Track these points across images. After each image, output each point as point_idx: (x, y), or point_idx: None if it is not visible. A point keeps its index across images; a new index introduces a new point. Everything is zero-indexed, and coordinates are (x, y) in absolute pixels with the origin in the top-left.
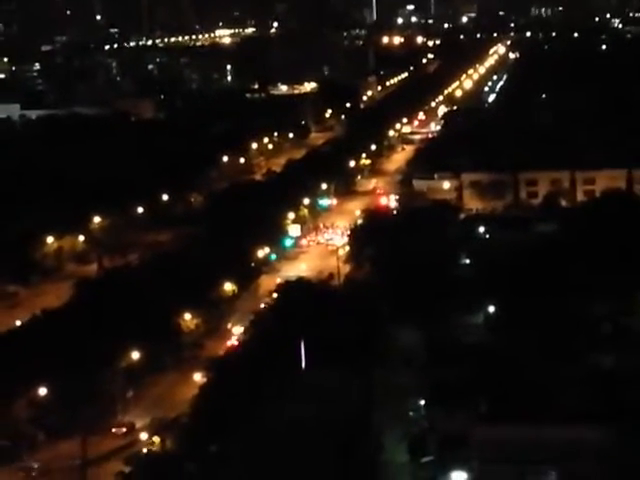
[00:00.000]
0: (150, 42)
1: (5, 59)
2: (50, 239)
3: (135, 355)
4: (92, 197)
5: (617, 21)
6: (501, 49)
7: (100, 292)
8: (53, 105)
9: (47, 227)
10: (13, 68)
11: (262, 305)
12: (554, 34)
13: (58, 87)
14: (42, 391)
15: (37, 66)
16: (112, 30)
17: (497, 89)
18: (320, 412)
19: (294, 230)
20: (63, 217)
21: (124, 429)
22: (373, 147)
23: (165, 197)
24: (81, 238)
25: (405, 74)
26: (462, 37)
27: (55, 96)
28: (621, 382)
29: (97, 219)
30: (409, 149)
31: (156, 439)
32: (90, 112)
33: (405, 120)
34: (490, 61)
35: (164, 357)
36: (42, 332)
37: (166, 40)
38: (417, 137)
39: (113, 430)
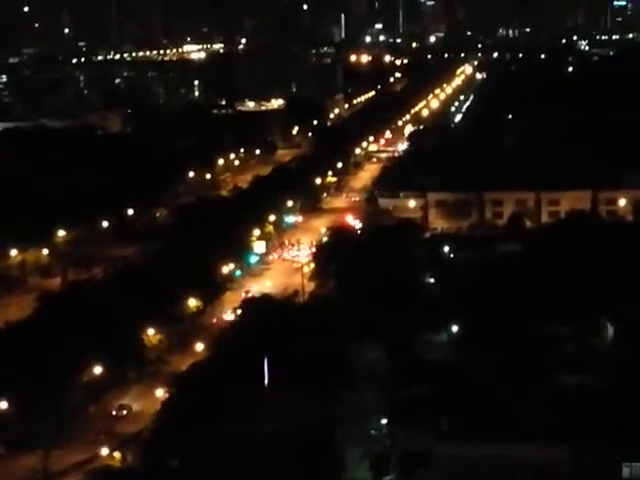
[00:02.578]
0: (118, 56)
1: None
2: (14, 252)
3: (98, 369)
4: (57, 210)
5: (584, 43)
6: (468, 69)
7: (63, 306)
8: (20, 117)
9: (11, 240)
10: None
11: (227, 319)
12: (521, 55)
13: (25, 99)
14: (3, 404)
15: (4, 78)
16: (80, 43)
17: (464, 109)
18: (282, 429)
19: (259, 247)
20: (27, 230)
21: (124, 411)
22: (339, 165)
23: (130, 211)
24: (45, 251)
25: (372, 92)
26: (430, 57)
27: (22, 108)
28: (583, 402)
29: (62, 232)
30: (375, 167)
31: (117, 454)
32: (57, 125)
33: (372, 138)
34: (457, 81)
35: (127, 372)
36: (4, 345)
37: (134, 54)
38: (383, 155)
39: (114, 413)
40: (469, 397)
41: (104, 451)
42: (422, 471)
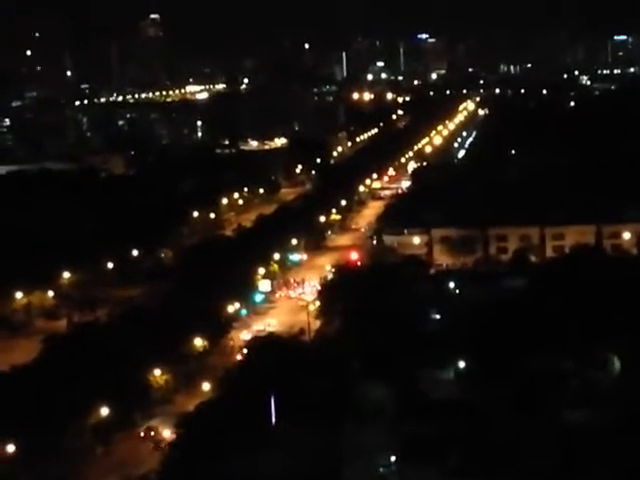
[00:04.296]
0: (120, 98)
1: None
2: (19, 294)
3: (104, 411)
4: (61, 253)
5: (585, 78)
6: (470, 105)
7: (69, 348)
8: (23, 161)
9: (16, 282)
10: None
11: (234, 359)
12: (523, 91)
13: (28, 143)
14: (10, 448)
15: (7, 122)
16: (83, 86)
17: (466, 145)
18: (290, 467)
19: (264, 285)
20: (32, 272)
21: (152, 432)
22: (343, 202)
23: (135, 253)
24: (50, 293)
25: (375, 130)
26: (432, 93)
27: (25, 152)
28: (591, 437)
29: (66, 274)
30: (379, 204)
31: None
32: (60, 167)
33: (375, 175)
34: (459, 117)
35: (133, 413)
36: (10, 388)
37: (137, 96)
38: (387, 192)
39: (142, 434)
40: (476, 435)
41: None
42: None
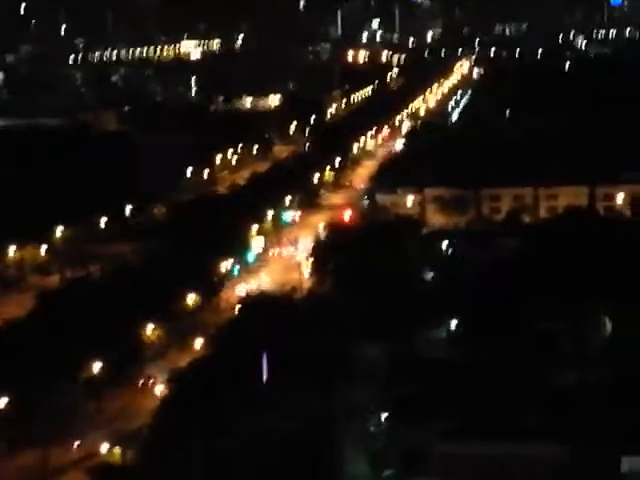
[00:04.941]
0: (115, 54)
1: None
2: (12, 250)
3: (96, 366)
4: (54, 208)
5: (581, 39)
6: (465, 66)
7: (61, 303)
8: (16, 116)
9: (9, 238)
10: None
11: (226, 317)
12: (518, 52)
13: (21, 98)
14: (2, 402)
15: (1, 76)
16: (76, 41)
17: (461, 105)
18: (281, 425)
19: (257, 243)
20: (25, 228)
21: (152, 380)
22: (337, 161)
23: (128, 209)
24: (43, 249)
25: (370, 89)
26: (427, 54)
27: (18, 107)
28: (582, 399)
29: (59, 230)
30: (373, 164)
31: (117, 450)
32: (53, 123)
33: (369, 135)
34: (454, 78)
35: (126, 369)
36: (3, 343)
37: (131, 52)
38: (381, 152)
39: (140, 382)
40: (468, 394)
41: (104, 448)
42: (422, 468)
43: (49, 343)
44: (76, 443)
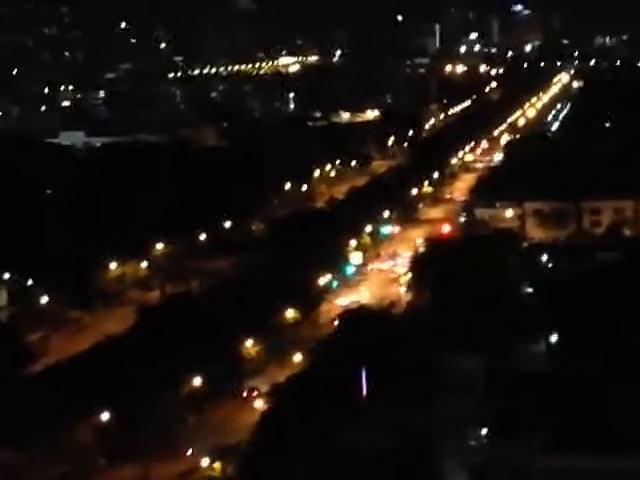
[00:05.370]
0: (214, 70)
1: (70, 87)
2: (113, 265)
3: (197, 381)
4: (155, 224)
5: None
6: (565, 78)
7: (162, 318)
8: (116, 133)
9: (110, 253)
10: (78, 96)
11: (325, 332)
12: (618, 63)
13: (122, 115)
14: (104, 416)
15: (101, 94)
16: (176, 58)
17: (560, 118)
18: (380, 440)
19: (356, 257)
20: (126, 244)
21: (255, 392)
22: (435, 175)
23: (227, 224)
24: (144, 265)
25: (468, 102)
26: (525, 66)
27: (119, 124)
28: None
29: (159, 246)
30: (471, 177)
31: (217, 465)
32: (153, 139)
33: (468, 148)
34: (553, 90)
35: (225, 383)
36: (106, 357)
37: (229, 68)
38: (480, 165)
39: (244, 394)
40: (570, 408)
41: (204, 462)
42: None
43: (150, 357)
44: (177, 457)
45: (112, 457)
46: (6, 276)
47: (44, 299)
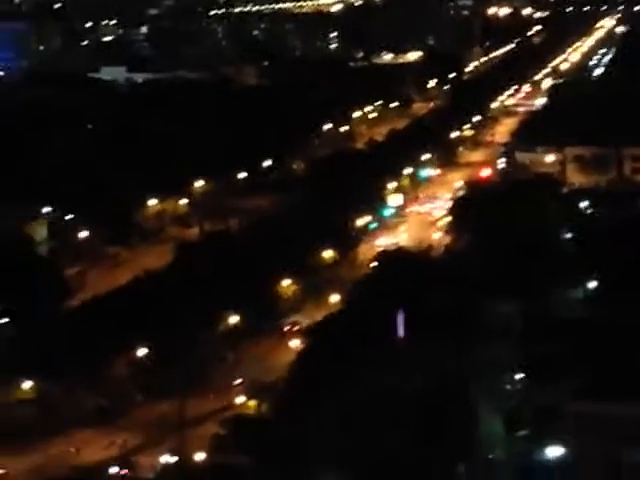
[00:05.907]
0: (256, 8)
1: (112, 22)
2: (153, 201)
3: (234, 319)
4: (195, 161)
5: None
6: (609, 22)
7: (201, 255)
8: (158, 69)
9: (150, 190)
10: (120, 31)
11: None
12: None
13: (163, 51)
14: (141, 351)
15: (144, 29)
16: None
17: (604, 62)
18: (416, 381)
19: (395, 199)
20: (166, 180)
21: (296, 327)
22: (476, 118)
23: (267, 163)
24: (183, 202)
25: (510, 45)
26: (570, 10)
27: (161, 60)
28: None
29: (199, 183)
30: (512, 121)
31: (252, 403)
32: (195, 77)
33: (509, 92)
34: (597, 34)
35: (262, 322)
36: (143, 293)
37: (272, 6)
38: (521, 109)
39: (285, 329)
40: (605, 354)
41: (239, 400)
42: (557, 427)
43: (188, 294)
44: (212, 394)
45: (148, 392)
46: (46, 210)
47: (83, 234)
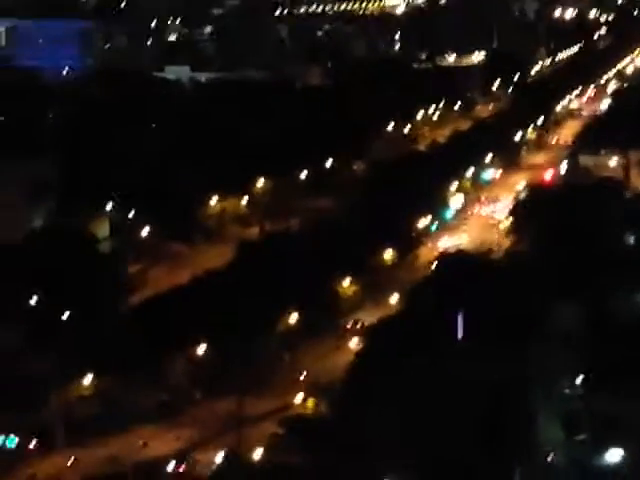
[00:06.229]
0: (320, 8)
1: (177, 21)
2: (214, 201)
3: (293, 318)
4: (257, 160)
5: None
6: None
7: (261, 255)
8: (221, 68)
9: (212, 188)
10: (185, 30)
11: (423, 274)
12: None
13: (227, 50)
14: (201, 349)
15: (208, 29)
16: None
17: None
18: (474, 384)
19: (456, 201)
20: (228, 179)
21: (358, 325)
22: (540, 121)
23: (329, 164)
24: (244, 201)
25: (575, 48)
26: (636, 13)
27: (224, 60)
28: None
29: (260, 182)
30: (576, 124)
31: (310, 403)
32: (258, 76)
33: (574, 95)
34: None
35: (322, 322)
36: (204, 291)
37: (336, 7)
38: (585, 113)
39: (348, 326)
40: None
41: (297, 399)
42: (617, 433)
43: (248, 293)
44: (271, 394)
45: (207, 390)
46: (109, 207)
47: (145, 231)
